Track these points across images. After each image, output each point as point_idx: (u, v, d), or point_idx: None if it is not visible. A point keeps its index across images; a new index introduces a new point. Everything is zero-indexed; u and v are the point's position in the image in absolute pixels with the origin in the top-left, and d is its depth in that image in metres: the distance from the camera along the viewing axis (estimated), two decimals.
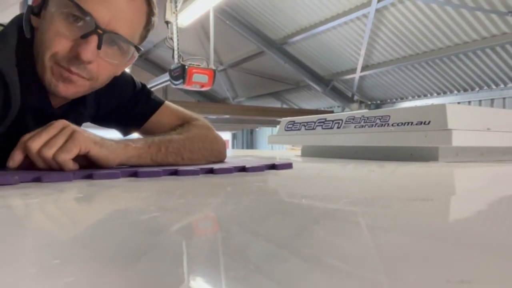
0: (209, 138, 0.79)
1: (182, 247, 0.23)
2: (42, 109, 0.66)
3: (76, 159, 0.58)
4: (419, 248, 0.22)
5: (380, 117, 1.04)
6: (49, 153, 0.54)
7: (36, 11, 0.62)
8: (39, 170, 0.57)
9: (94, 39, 0.59)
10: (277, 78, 6.65)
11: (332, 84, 5.97)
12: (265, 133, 8.52)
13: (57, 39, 0.59)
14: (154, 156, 0.67)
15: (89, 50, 0.59)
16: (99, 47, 0.60)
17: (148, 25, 0.69)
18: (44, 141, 0.55)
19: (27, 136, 0.56)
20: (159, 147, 0.68)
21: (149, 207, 0.36)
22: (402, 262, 0.19)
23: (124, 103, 0.79)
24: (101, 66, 0.63)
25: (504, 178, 0.69)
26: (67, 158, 0.56)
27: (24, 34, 0.63)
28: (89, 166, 0.62)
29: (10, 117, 0.62)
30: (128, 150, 0.64)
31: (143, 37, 0.69)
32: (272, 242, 0.23)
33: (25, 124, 0.65)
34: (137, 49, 0.67)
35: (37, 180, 0.54)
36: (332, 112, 6.51)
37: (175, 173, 0.64)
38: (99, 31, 0.59)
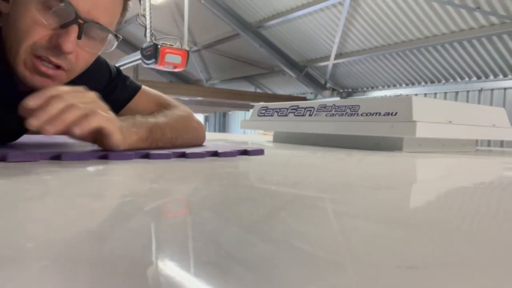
0: (192, 126, 0.81)
1: (152, 232, 0.24)
2: (9, 96, 0.64)
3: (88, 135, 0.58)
4: (378, 233, 0.24)
5: (350, 107, 1.07)
6: (69, 116, 0.52)
7: None
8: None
9: (74, 29, 0.57)
10: (252, 61, 6.61)
11: (306, 71, 6.01)
12: (237, 116, 8.50)
13: (34, 28, 0.56)
14: (154, 143, 0.68)
15: (70, 40, 0.57)
16: (79, 37, 0.58)
17: (124, 11, 0.67)
18: (67, 104, 0.52)
19: (52, 91, 0.53)
20: (156, 133, 0.69)
21: (120, 191, 0.37)
22: (361, 246, 0.21)
23: (99, 90, 0.77)
24: (79, 56, 0.61)
25: (460, 169, 0.74)
26: (87, 128, 0.54)
27: None
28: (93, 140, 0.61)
29: None
30: (137, 133, 0.64)
31: (119, 22, 0.68)
32: (242, 227, 0.25)
33: None
34: (117, 37, 0.66)
35: (2, 159, 0.52)
36: (305, 98, 6.57)
37: (146, 156, 0.64)
38: (80, 21, 0.57)
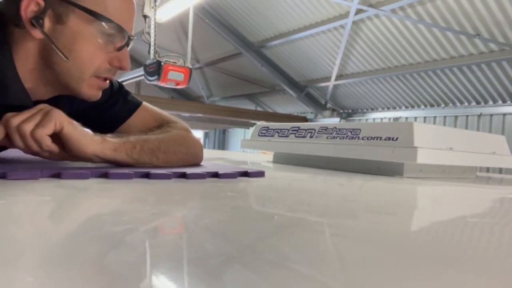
0: (186, 142, 0.79)
1: (149, 258, 0.23)
2: (22, 106, 0.65)
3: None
4: (374, 257, 0.24)
5: (351, 130, 1.07)
6: (26, 127, 0.55)
7: (35, 21, 0.60)
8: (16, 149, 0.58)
9: (127, 49, 0.67)
10: (253, 80, 6.67)
11: (306, 90, 6.06)
12: (237, 133, 8.52)
13: (97, 56, 0.64)
14: (129, 151, 0.67)
15: (128, 60, 0.67)
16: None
17: None
18: (24, 118, 0.56)
19: (10, 114, 0.57)
20: (134, 145, 0.68)
21: (121, 217, 0.36)
22: (357, 269, 0.21)
23: (100, 104, 0.77)
24: None
25: (459, 197, 0.74)
26: (44, 133, 0.56)
27: None
28: (63, 156, 0.62)
29: None
30: (104, 142, 0.64)
31: None
32: (247, 263, 0.24)
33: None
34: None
35: (2, 176, 0.52)
36: (305, 117, 6.60)
37: (146, 175, 0.63)
38: (130, 39, 0.67)
